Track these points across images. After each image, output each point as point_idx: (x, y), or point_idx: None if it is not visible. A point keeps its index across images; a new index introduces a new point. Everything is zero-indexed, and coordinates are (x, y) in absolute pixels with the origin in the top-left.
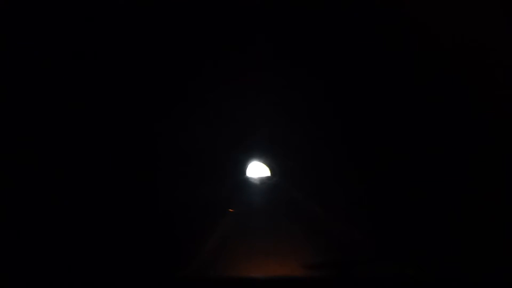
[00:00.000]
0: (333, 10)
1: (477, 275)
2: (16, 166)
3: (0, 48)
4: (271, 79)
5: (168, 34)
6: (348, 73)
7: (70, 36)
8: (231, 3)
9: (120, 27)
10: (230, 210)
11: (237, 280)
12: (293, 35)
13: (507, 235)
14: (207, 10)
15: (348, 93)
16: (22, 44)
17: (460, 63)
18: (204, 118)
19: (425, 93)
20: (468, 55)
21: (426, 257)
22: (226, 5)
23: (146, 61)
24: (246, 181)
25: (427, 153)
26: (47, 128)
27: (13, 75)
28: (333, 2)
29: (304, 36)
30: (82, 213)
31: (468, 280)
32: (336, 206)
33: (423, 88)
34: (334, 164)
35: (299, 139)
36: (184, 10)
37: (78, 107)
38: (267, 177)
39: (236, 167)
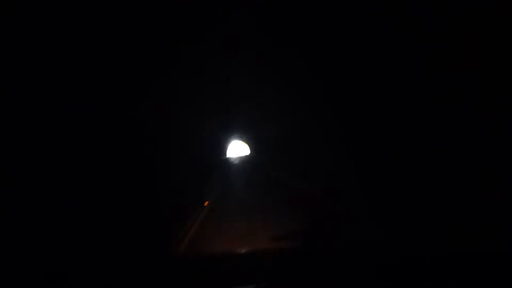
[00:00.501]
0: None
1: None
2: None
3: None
4: (252, 55)
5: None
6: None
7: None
8: None
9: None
10: (205, 204)
11: (221, 255)
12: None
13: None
14: None
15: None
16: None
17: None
18: (185, 95)
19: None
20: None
21: (408, 226)
22: None
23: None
24: (227, 160)
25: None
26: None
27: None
28: None
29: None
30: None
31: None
32: (316, 181)
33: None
34: (314, 140)
35: (278, 113)
36: None
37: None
38: (247, 156)
39: (217, 146)
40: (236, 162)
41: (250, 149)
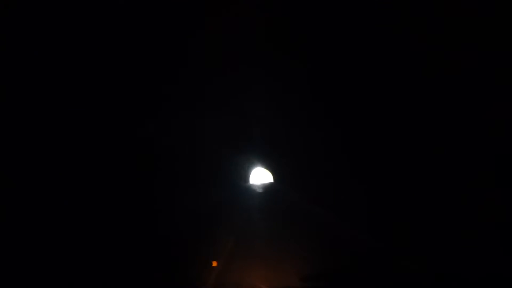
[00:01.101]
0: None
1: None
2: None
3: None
4: (270, 82)
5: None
6: (346, 70)
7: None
8: None
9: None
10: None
11: None
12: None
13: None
14: None
15: (345, 91)
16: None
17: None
18: (206, 121)
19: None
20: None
21: (428, 255)
22: None
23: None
24: (249, 187)
25: (428, 152)
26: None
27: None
28: None
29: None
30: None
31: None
32: (340, 210)
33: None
34: (335, 167)
35: (298, 142)
36: None
37: (77, 105)
38: (270, 183)
39: (238, 173)
40: (257, 189)
41: (273, 176)
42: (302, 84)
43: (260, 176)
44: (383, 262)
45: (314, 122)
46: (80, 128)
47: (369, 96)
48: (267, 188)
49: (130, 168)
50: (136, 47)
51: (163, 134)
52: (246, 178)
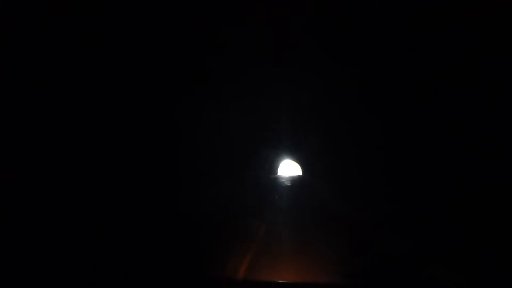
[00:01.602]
0: None
1: None
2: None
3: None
4: (305, 76)
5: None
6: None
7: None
8: None
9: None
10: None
11: (260, 284)
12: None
13: None
14: None
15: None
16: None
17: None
18: (235, 114)
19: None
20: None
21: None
22: None
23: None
24: (277, 179)
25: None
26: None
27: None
28: None
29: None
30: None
31: None
32: (366, 209)
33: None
34: (368, 165)
35: (330, 134)
36: None
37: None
38: (298, 176)
39: (267, 165)
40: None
41: (302, 169)
42: (334, 75)
43: (288, 169)
44: (409, 265)
45: (347, 115)
46: (115, 111)
47: (408, 90)
48: (296, 180)
49: (158, 159)
50: (166, 36)
51: (190, 125)
52: (274, 170)
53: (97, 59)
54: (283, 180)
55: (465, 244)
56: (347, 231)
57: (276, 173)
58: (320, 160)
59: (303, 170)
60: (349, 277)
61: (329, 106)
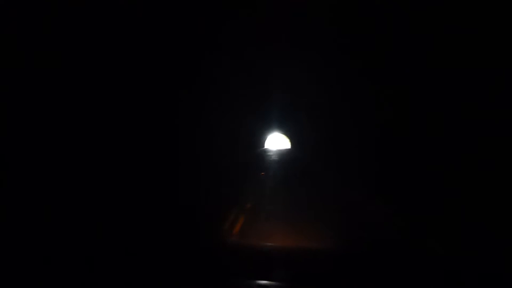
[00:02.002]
0: None
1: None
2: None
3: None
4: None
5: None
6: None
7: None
8: None
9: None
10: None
11: (253, 248)
12: None
13: None
14: None
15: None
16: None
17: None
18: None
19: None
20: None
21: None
22: None
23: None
24: (264, 153)
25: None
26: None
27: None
28: None
29: None
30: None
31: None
32: (356, 180)
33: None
34: (359, 138)
35: (323, 108)
36: None
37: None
38: (286, 150)
39: (254, 138)
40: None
41: (291, 143)
42: (330, 48)
43: (276, 142)
44: (399, 239)
45: (343, 89)
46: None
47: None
48: (284, 155)
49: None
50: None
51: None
52: (260, 143)
53: (91, 53)
54: (270, 154)
55: (457, 218)
56: (345, 213)
57: (263, 147)
58: (310, 135)
59: (292, 144)
60: (340, 244)
61: (323, 79)
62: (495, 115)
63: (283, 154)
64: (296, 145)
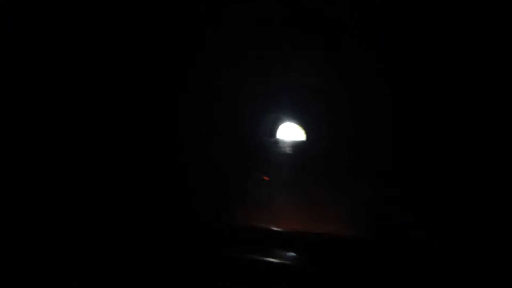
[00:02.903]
0: None
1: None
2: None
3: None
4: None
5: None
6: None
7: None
8: None
9: None
10: (265, 178)
11: (260, 230)
12: None
13: None
14: None
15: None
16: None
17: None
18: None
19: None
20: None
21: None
22: None
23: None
24: (276, 143)
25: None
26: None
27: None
28: None
29: None
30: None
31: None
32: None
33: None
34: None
35: (340, 96)
36: None
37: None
38: (301, 141)
39: (264, 126)
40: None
41: (306, 133)
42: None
43: (289, 132)
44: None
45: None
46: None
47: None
48: (297, 146)
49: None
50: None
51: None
52: (272, 132)
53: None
54: (283, 146)
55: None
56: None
57: (275, 136)
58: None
59: (307, 135)
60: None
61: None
62: None
63: (296, 147)
64: (312, 137)
